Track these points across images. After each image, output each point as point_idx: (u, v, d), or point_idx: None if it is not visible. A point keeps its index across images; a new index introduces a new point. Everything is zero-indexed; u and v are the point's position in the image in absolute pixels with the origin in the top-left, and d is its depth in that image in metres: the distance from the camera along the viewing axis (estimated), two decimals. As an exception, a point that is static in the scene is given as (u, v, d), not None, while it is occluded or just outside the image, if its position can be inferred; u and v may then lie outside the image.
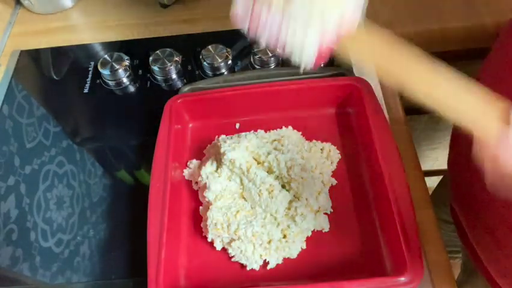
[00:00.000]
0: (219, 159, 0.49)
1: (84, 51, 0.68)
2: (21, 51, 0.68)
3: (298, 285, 0.42)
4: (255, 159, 0.48)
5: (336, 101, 0.54)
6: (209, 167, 0.49)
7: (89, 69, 0.65)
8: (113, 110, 0.61)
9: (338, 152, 0.51)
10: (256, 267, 0.44)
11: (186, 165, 0.52)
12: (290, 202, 0.46)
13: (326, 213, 0.47)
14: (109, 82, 0.62)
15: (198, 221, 0.48)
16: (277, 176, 0.47)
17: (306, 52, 0.31)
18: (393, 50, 0.31)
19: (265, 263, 0.45)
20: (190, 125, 0.56)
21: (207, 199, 0.47)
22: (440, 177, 0.85)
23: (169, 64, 0.61)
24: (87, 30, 0.71)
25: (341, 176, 0.50)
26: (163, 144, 0.50)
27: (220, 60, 0.60)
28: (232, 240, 0.45)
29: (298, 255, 0.45)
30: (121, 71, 0.61)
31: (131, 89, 0.63)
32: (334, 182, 0.49)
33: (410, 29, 0.64)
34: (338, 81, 0.54)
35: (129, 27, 0.69)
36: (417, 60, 0.30)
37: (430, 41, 0.65)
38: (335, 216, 0.47)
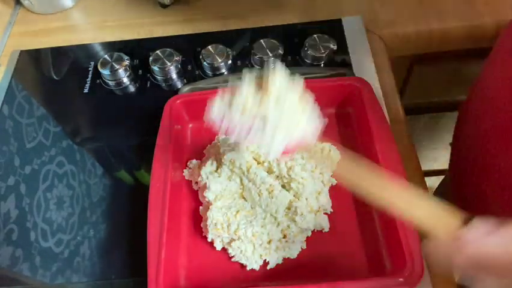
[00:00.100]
0: (219, 159, 0.49)
1: (84, 51, 0.67)
2: (21, 51, 0.68)
3: (298, 285, 0.42)
4: (255, 159, 0.48)
5: (336, 101, 0.54)
6: (209, 167, 0.49)
7: (89, 69, 0.65)
8: (113, 110, 0.61)
9: (338, 152, 0.51)
10: (256, 267, 0.44)
11: (186, 165, 0.52)
12: (290, 202, 0.46)
13: (326, 213, 0.47)
14: (109, 82, 0.62)
15: (198, 221, 0.48)
16: (277, 176, 0.47)
17: (272, 151, 0.37)
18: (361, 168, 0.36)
19: (265, 263, 0.45)
20: (190, 125, 0.56)
21: (207, 199, 0.47)
22: (440, 177, 0.86)
23: (169, 64, 0.61)
24: (87, 30, 0.71)
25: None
26: (163, 144, 0.50)
27: (220, 60, 0.60)
28: (232, 240, 0.45)
29: (298, 255, 0.45)
30: (121, 71, 0.61)
31: (131, 89, 0.63)
32: (334, 182, 0.49)
33: (410, 29, 0.64)
34: (338, 81, 0.54)
35: (129, 27, 0.69)
36: (379, 176, 0.35)
37: (430, 41, 0.65)
38: (335, 216, 0.47)
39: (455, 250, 0.29)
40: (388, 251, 0.44)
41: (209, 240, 0.46)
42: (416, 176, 0.51)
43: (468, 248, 0.29)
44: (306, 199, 0.46)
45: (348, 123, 0.54)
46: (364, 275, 0.43)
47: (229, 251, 0.45)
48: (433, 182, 1.01)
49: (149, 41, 0.67)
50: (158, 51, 0.62)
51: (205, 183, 0.48)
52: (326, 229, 0.46)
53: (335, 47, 0.60)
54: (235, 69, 0.62)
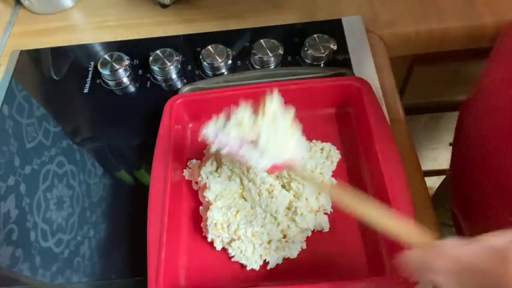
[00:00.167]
0: (219, 159, 0.49)
1: (84, 51, 0.67)
2: (21, 51, 0.68)
3: (298, 285, 0.42)
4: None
5: (336, 101, 0.54)
6: (209, 167, 0.49)
7: (89, 69, 0.65)
8: (113, 110, 0.61)
9: (338, 152, 0.51)
10: (256, 267, 0.44)
11: (186, 165, 0.52)
12: (290, 202, 0.46)
13: (326, 213, 0.47)
14: (109, 82, 0.62)
15: (198, 221, 0.48)
16: (277, 176, 0.47)
17: (260, 166, 0.41)
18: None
19: (265, 263, 0.45)
20: (190, 125, 0.56)
21: (206, 199, 0.47)
22: (440, 177, 0.86)
23: (169, 64, 0.61)
24: (87, 30, 0.71)
25: (341, 176, 0.50)
26: (163, 144, 0.50)
27: (220, 60, 0.60)
28: (232, 240, 0.45)
29: (298, 255, 0.45)
30: (121, 71, 0.61)
31: (131, 89, 0.63)
32: (334, 182, 0.49)
33: (410, 29, 0.64)
34: (338, 81, 0.54)
35: (129, 27, 0.69)
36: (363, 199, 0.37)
37: (430, 41, 0.65)
38: (335, 216, 0.47)
39: (435, 254, 0.30)
40: (388, 251, 0.44)
41: (209, 240, 0.46)
42: (416, 176, 0.51)
43: (449, 251, 0.29)
44: (306, 199, 0.46)
45: (348, 123, 0.54)
46: (364, 275, 0.43)
47: (229, 251, 0.45)
48: (433, 182, 1.01)
49: (149, 41, 0.67)
50: (158, 51, 0.62)
51: (205, 183, 0.48)
52: (326, 229, 0.46)
53: (335, 47, 0.60)
54: (235, 69, 0.62)
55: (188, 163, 0.52)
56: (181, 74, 0.62)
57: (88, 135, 0.61)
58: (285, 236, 0.45)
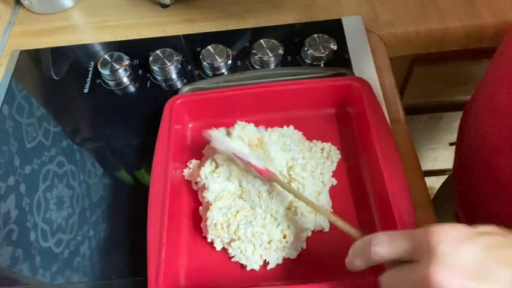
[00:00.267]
0: (218, 159, 0.49)
1: (84, 51, 0.67)
2: (21, 51, 0.68)
3: (298, 285, 0.42)
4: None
5: (336, 101, 0.54)
6: (208, 167, 0.49)
7: (89, 69, 0.65)
8: (113, 110, 0.61)
9: (338, 152, 0.51)
10: (256, 267, 0.44)
11: (186, 165, 0.52)
12: (290, 202, 0.46)
13: (326, 213, 0.47)
14: (109, 82, 0.62)
15: (198, 221, 0.48)
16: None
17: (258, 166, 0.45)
18: None
19: (265, 263, 0.45)
20: (190, 125, 0.56)
21: (206, 199, 0.47)
22: (440, 177, 0.86)
23: (169, 64, 0.61)
24: (87, 30, 0.71)
25: (341, 176, 0.50)
26: (163, 144, 0.50)
27: (220, 60, 0.60)
28: (232, 240, 0.45)
29: (298, 255, 0.45)
30: (121, 71, 0.61)
31: (131, 89, 0.63)
32: (334, 182, 0.49)
33: (410, 29, 0.64)
34: (338, 81, 0.54)
35: (129, 27, 0.69)
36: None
37: (430, 41, 0.65)
38: (335, 216, 0.47)
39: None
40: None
41: (209, 240, 0.46)
42: (416, 176, 0.51)
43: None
44: (306, 199, 0.46)
45: (348, 123, 0.54)
46: (364, 275, 0.43)
47: (229, 251, 0.45)
48: (433, 182, 1.01)
49: (149, 41, 0.67)
50: (158, 51, 0.62)
51: (205, 184, 0.48)
52: (326, 229, 0.46)
53: (335, 47, 0.60)
54: (235, 69, 0.62)
55: (188, 163, 0.52)
56: (181, 74, 0.62)
57: (88, 135, 0.61)
58: (285, 236, 0.45)
